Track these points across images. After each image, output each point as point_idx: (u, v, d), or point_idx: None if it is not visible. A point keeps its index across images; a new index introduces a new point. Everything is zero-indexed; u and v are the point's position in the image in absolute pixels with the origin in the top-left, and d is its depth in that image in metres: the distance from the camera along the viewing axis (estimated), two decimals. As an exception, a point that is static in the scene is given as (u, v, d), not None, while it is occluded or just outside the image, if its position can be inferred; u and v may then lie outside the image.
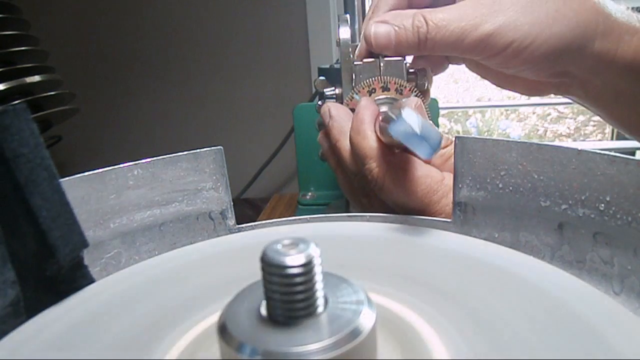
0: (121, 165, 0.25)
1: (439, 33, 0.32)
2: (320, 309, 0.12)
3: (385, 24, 0.32)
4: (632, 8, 0.35)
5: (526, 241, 0.25)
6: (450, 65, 0.42)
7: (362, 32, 0.35)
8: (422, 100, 0.34)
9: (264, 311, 0.13)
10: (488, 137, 0.25)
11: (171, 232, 0.27)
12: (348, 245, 0.21)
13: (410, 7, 0.36)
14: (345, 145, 0.31)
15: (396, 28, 0.32)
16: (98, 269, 0.24)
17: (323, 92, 0.38)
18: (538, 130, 1.49)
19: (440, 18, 0.31)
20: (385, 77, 0.35)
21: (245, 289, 0.14)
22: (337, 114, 0.32)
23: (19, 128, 0.17)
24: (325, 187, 0.67)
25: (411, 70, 0.36)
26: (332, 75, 0.38)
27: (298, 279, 0.12)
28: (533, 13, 0.31)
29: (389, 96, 0.35)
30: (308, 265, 0.12)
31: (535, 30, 0.31)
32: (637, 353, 0.13)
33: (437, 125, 0.61)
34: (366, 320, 0.12)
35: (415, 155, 0.30)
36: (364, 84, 0.35)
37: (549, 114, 1.47)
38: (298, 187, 0.68)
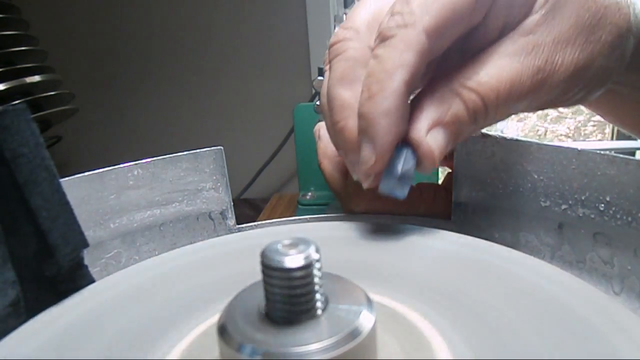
0: (121, 165, 0.25)
1: (502, 111, 0.23)
2: (320, 309, 0.12)
3: (436, 129, 0.21)
4: None
5: (526, 241, 0.25)
6: None
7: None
8: None
9: (264, 311, 0.13)
10: (488, 137, 0.25)
11: (171, 232, 0.27)
12: (348, 245, 0.21)
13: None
14: (327, 167, 0.31)
15: (450, 131, 0.22)
16: (98, 269, 0.24)
17: (323, 92, 0.37)
18: (538, 130, 1.49)
19: (495, 87, 0.22)
20: None
21: (245, 289, 0.14)
22: (324, 136, 0.31)
23: (19, 128, 0.17)
24: (325, 187, 0.67)
25: None
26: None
27: (298, 279, 0.12)
28: (583, 77, 0.24)
29: None
30: (308, 266, 0.12)
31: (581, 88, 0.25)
32: (637, 353, 0.13)
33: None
34: (366, 320, 0.12)
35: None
36: None
37: (548, 114, 1.47)
38: (298, 187, 0.68)
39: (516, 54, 0.22)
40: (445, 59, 0.23)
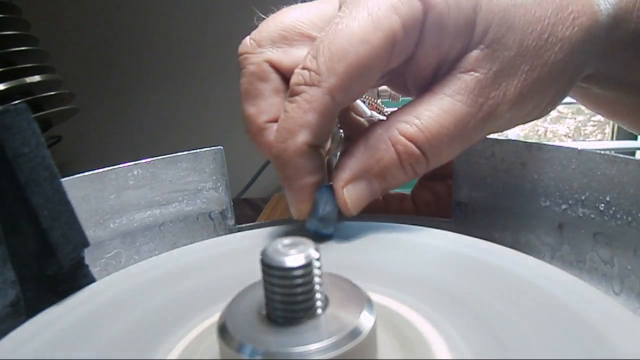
0: (121, 165, 0.25)
1: (447, 154, 0.21)
2: (320, 309, 0.12)
3: (358, 181, 0.21)
4: None
5: (526, 241, 0.25)
6: None
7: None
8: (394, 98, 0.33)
9: (264, 311, 0.13)
10: (488, 137, 0.25)
11: (171, 232, 0.27)
12: (348, 245, 0.21)
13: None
14: None
15: (378, 182, 0.21)
16: (98, 269, 0.24)
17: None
18: (538, 130, 1.49)
19: (437, 132, 0.20)
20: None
21: (245, 289, 0.14)
22: None
23: (21, 128, 0.17)
24: (325, 187, 0.67)
25: None
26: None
27: (298, 279, 0.12)
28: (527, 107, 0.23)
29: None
30: (308, 265, 0.12)
31: (536, 114, 0.24)
32: (637, 353, 0.13)
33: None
34: (366, 320, 0.12)
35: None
36: None
37: (548, 114, 1.46)
38: (298, 187, 0.68)
39: (459, 94, 0.21)
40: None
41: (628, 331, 0.14)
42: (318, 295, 0.12)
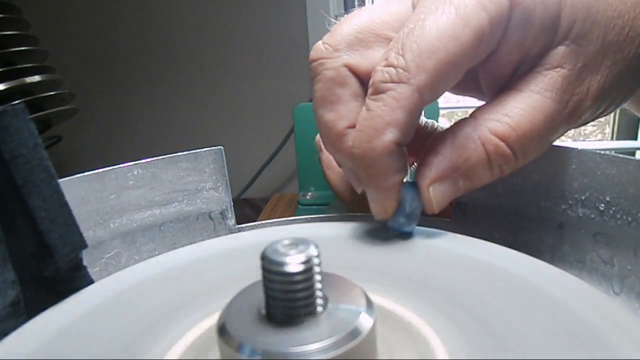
0: (121, 165, 0.25)
1: (532, 155, 0.21)
2: (320, 309, 0.12)
3: (444, 180, 0.21)
4: None
5: (526, 241, 0.25)
6: None
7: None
8: None
9: (264, 311, 0.13)
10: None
11: (171, 232, 0.27)
12: (348, 246, 0.21)
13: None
14: (332, 178, 0.31)
15: (463, 182, 0.21)
16: (98, 269, 0.24)
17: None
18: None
19: (528, 130, 0.20)
20: None
21: (245, 289, 0.14)
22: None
23: (18, 128, 0.17)
24: (325, 187, 0.67)
25: None
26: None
27: (298, 279, 0.12)
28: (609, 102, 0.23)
29: None
30: (308, 266, 0.12)
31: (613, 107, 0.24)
32: (637, 353, 0.13)
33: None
34: (365, 320, 0.12)
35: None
36: None
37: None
38: (298, 187, 0.68)
39: (547, 90, 0.20)
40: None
41: (628, 331, 0.14)
42: (318, 296, 0.12)
